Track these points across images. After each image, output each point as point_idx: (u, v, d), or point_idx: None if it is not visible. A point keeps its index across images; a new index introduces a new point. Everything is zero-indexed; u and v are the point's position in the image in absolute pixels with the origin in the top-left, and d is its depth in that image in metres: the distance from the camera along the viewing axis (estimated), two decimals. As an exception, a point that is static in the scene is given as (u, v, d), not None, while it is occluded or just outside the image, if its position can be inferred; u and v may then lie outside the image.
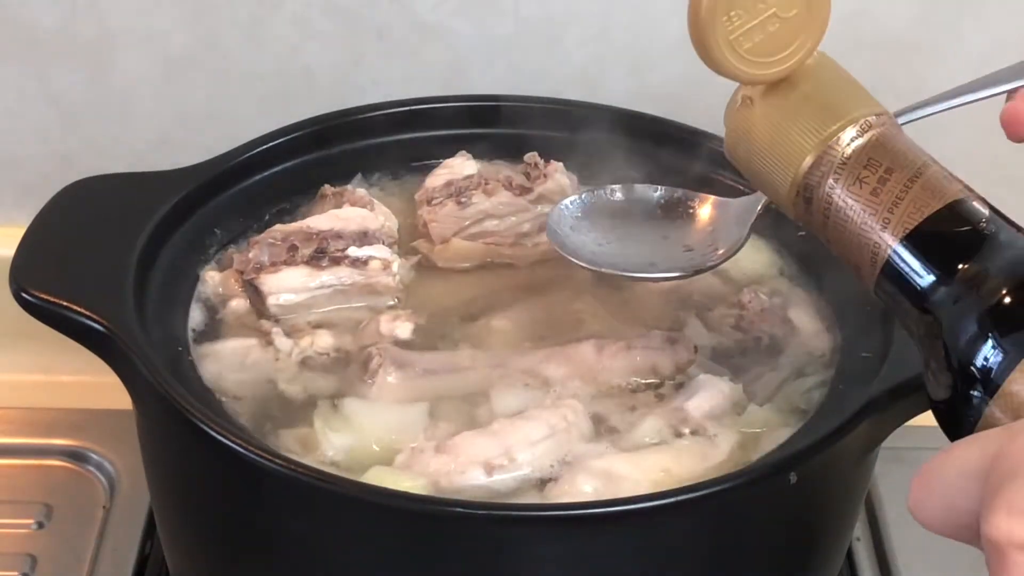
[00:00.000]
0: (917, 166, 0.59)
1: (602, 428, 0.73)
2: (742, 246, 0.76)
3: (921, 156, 0.60)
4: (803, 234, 0.84)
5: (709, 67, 0.63)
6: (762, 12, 0.61)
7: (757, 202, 0.76)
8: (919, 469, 0.48)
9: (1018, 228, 0.58)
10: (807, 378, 0.76)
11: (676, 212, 0.79)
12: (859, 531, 0.93)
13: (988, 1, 1.00)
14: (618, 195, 0.80)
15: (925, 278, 0.58)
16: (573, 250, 0.77)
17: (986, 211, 0.58)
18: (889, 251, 0.59)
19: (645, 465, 0.70)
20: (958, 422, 0.57)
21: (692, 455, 0.71)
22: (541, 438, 0.71)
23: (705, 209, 0.79)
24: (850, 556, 0.92)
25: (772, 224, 0.85)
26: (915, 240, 0.58)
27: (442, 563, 0.66)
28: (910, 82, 1.00)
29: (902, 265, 0.59)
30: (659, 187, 0.80)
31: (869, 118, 0.61)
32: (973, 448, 0.47)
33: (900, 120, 0.65)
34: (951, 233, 0.58)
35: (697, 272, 0.76)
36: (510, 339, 0.79)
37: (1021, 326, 0.55)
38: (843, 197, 0.60)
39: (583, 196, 0.80)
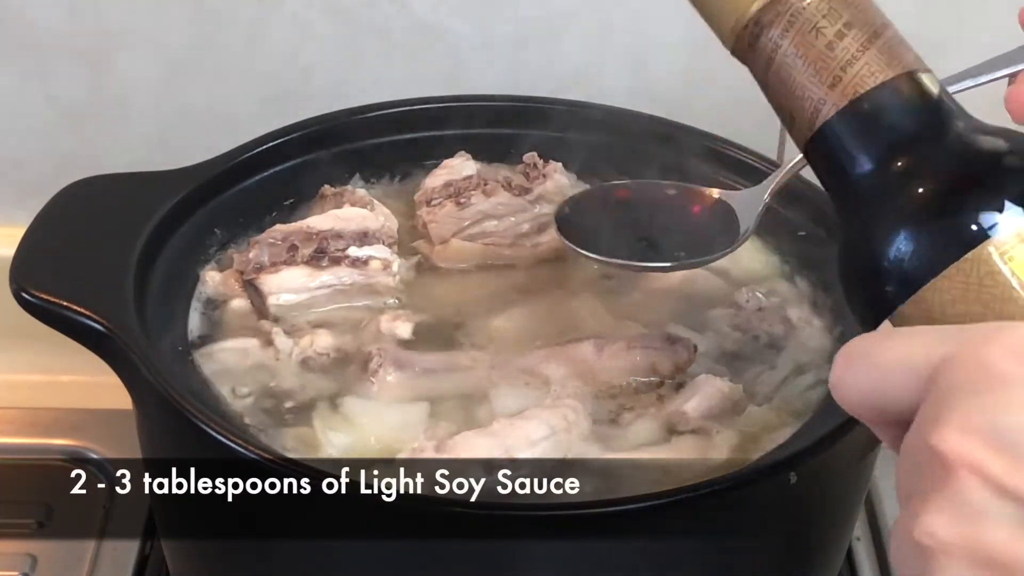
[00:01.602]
0: (876, 25, 0.56)
1: (602, 428, 0.73)
2: (747, 238, 0.76)
3: (880, 16, 0.57)
4: (803, 234, 0.84)
5: None
6: None
7: (762, 194, 0.76)
8: (847, 345, 0.47)
9: (967, 115, 0.56)
10: (806, 377, 0.76)
11: (681, 205, 0.79)
12: (859, 531, 0.93)
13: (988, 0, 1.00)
14: (623, 189, 0.80)
15: (864, 149, 0.55)
16: (581, 243, 0.77)
17: (936, 89, 0.55)
18: (833, 111, 0.55)
19: (645, 465, 0.70)
20: (865, 307, 0.55)
21: (692, 455, 0.71)
22: (541, 438, 0.71)
23: (710, 202, 0.79)
24: (850, 556, 0.92)
25: (772, 224, 0.85)
26: (861, 106, 0.55)
27: (442, 563, 0.66)
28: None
29: (843, 129, 0.55)
30: (664, 181, 0.80)
31: None
32: (919, 341, 0.45)
33: None
34: (898, 108, 0.55)
35: (704, 263, 0.76)
36: (510, 339, 0.79)
37: (952, 230, 0.52)
38: (796, 43, 0.57)
39: (590, 190, 0.80)
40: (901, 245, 0.53)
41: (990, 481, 0.41)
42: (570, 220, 0.79)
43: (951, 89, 0.62)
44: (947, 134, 0.55)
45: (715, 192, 0.80)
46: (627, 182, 0.82)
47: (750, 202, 0.77)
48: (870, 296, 0.55)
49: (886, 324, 0.54)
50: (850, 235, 0.56)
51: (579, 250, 0.77)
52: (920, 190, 0.53)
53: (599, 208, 0.80)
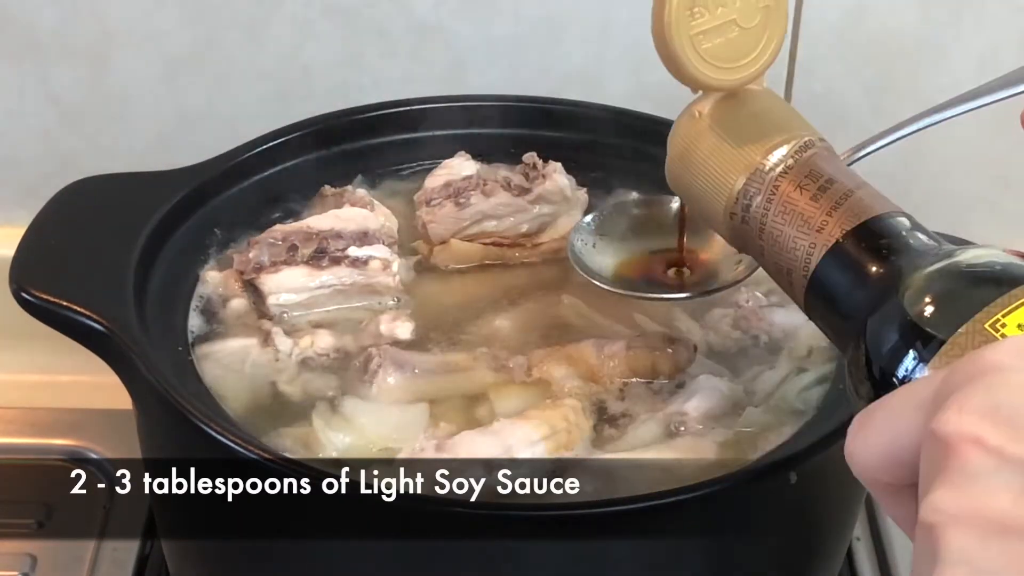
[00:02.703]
0: (856, 182, 0.61)
1: (602, 428, 0.73)
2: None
3: (857, 177, 0.62)
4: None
5: (668, 66, 0.64)
6: (723, 16, 0.63)
7: None
8: (858, 416, 0.47)
9: (942, 243, 0.59)
10: (806, 377, 0.76)
11: (697, 223, 0.79)
12: (859, 531, 0.93)
13: (988, 0, 1.01)
14: (637, 208, 0.80)
15: (854, 281, 0.59)
16: (595, 271, 0.77)
17: (908, 224, 0.60)
18: (824, 252, 0.60)
19: (645, 465, 0.70)
20: None
21: (691, 455, 0.71)
22: (541, 438, 0.71)
23: None
24: (850, 556, 0.92)
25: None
26: (849, 242, 0.59)
27: (442, 563, 0.66)
28: (910, 80, 1.00)
29: (834, 267, 0.60)
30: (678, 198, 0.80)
31: (813, 138, 0.64)
32: (920, 382, 0.46)
33: (912, 129, 0.66)
34: (882, 241, 0.59)
35: (720, 289, 0.76)
36: (510, 339, 0.79)
37: (931, 336, 0.54)
38: (784, 200, 0.62)
39: (603, 212, 0.80)
40: (898, 360, 0.55)
41: (991, 451, 0.41)
42: (585, 247, 0.79)
43: (949, 113, 0.68)
44: (916, 261, 0.58)
45: None
46: (641, 198, 0.82)
47: None
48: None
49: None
50: (855, 356, 0.59)
51: (594, 281, 0.76)
52: (905, 315, 0.56)
53: (614, 230, 0.80)
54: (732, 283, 0.76)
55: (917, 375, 0.54)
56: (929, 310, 0.55)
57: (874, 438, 0.46)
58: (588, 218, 0.79)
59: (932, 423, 0.43)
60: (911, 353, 0.54)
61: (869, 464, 0.47)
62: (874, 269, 0.58)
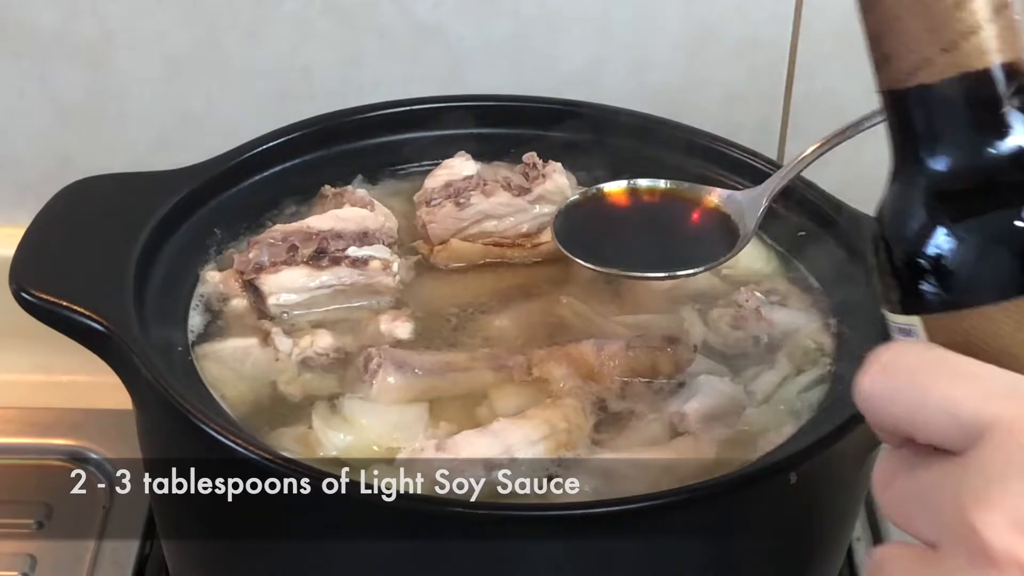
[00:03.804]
0: None
1: (602, 428, 0.73)
2: (749, 240, 0.76)
3: None
4: (803, 234, 0.84)
5: None
6: None
7: (764, 195, 0.76)
8: (886, 353, 0.45)
9: None
10: (806, 377, 0.76)
11: (682, 206, 0.79)
12: (859, 531, 0.93)
13: None
14: (623, 191, 0.80)
15: (959, 130, 0.50)
16: (578, 248, 0.77)
17: None
18: (939, 78, 0.49)
19: (645, 465, 0.70)
20: (897, 289, 0.50)
21: (691, 455, 0.71)
22: (541, 437, 0.71)
23: (711, 203, 0.79)
24: (850, 556, 0.92)
25: (771, 223, 0.85)
26: (973, 82, 0.49)
27: (442, 563, 0.66)
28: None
29: (943, 98, 0.50)
30: (664, 180, 0.80)
31: None
32: (970, 391, 0.43)
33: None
34: (1006, 96, 0.49)
35: (705, 269, 0.76)
36: (510, 339, 0.79)
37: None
38: None
39: (587, 192, 0.80)
40: (969, 254, 0.49)
41: None
42: (568, 225, 0.79)
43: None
44: None
45: (714, 196, 0.80)
46: (625, 183, 0.82)
47: (750, 205, 0.77)
48: (908, 285, 0.50)
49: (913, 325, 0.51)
50: (905, 206, 0.51)
51: (577, 260, 0.77)
52: (1009, 205, 0.49)
53: (597, 212, 0.80)
54: (719, 262, 0.76)
55: (968, 281, 0.48)
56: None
57: (893, 407, 0.45)
58: (574, 198, 0.80)
59: (976, 517, 0.41)
60: (981, 259, 0.48)
61: (877, 419, 0.45)
62: (983, 130, 0.50)
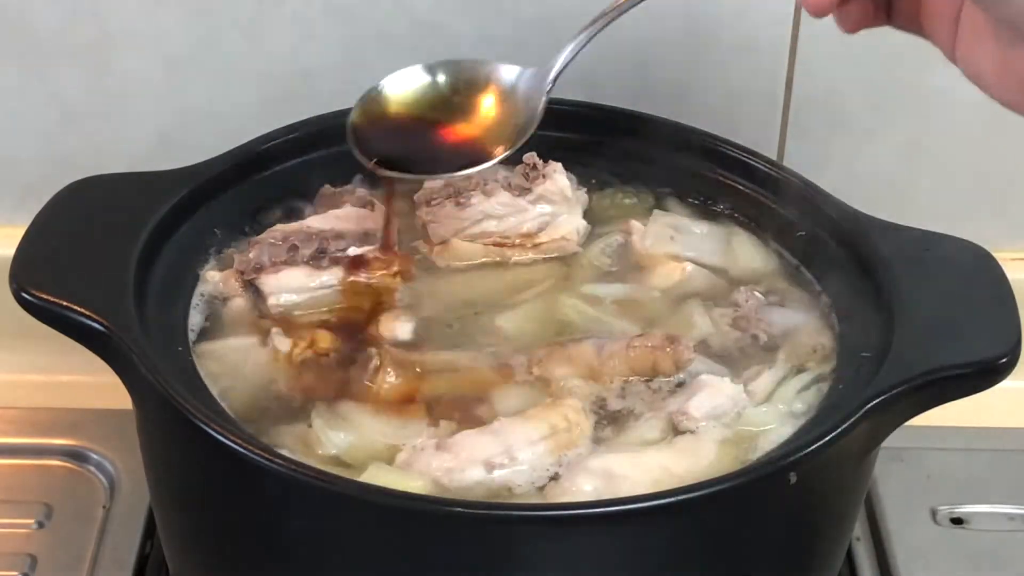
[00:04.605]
0: None
1: (602, 427, 0.73)
2: (537, 123, 0.77)
3: None
4: (803, 233, 0.84)
5: None
6: None
7: (548, 73, 0.78)
8: None
9: None
10: (805, 377, 0.76)
11: (475, 90, 0.80)
12: (859, 531, 0.93)
13: None
14: (417, 80, 0.81)
15: None
16: (376, 153, 0.78)
17: None
18: None
19: (645, 465, 0.70)
20: None
21: (692, 455, 0.71)
22: (541, 437, 0.71)
23: (498, 90, 0.80)
24: (850, 556, 0.92)
25: (771, 223, 0.85)
26: None
27: (442, 563, 0.66)
28: (910, 80, 1.00)
29: None
30: (456, 61, 0.81)
31: None
32: None
33: None
34: None
35: (496, 162, 0.78)
36: (510, 339, 0.79)
37: None
38: None
39: (380, 89, 0.81)
40: None
41: None
42: (363, 129, 0.79)
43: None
44: None
45: (504, 75, 0.80)
46: (419, 67, 0.82)
47: (539, 76, 0.78)
48: None
49: None
50: None
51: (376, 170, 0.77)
52: None
53: (391, 111, 0.80)
54: (495, 161, 0.77)
55: None
56: None
57: None
58: (369, 90, 0.80)
59: None
60: None
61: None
62: None
